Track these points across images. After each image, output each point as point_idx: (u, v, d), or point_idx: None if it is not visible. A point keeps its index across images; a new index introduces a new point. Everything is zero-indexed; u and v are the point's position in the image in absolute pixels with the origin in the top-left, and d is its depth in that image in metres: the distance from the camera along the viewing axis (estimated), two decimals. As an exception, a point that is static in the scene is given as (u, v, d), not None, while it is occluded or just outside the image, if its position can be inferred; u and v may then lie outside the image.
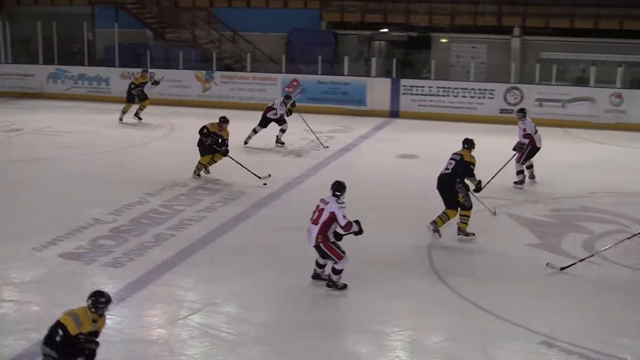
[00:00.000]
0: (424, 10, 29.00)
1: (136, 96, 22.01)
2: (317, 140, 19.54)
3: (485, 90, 24.04)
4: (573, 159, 18.37)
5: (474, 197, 12.57)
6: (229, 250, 11.80)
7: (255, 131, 19.13)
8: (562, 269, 11.05)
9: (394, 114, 24.18)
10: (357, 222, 10.05)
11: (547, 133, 20.83)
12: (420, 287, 10.49)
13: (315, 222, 10.08)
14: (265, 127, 19.17)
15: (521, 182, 15.69)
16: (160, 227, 12.65)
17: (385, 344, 8.93)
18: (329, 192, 10.15)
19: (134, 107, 22.20)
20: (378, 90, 24.50)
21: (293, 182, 15.68)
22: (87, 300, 7.27)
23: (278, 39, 28.66)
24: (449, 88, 24.27)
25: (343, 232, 10.10)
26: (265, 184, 15.32)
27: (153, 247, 11.71)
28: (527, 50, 27.44)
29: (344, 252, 10.07)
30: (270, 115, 19.09)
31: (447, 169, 12.58)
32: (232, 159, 15.65)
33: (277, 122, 19.19)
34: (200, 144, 15.67)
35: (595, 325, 9.45)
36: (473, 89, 24.13)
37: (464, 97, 24.04)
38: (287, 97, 19.77)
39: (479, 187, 12.72)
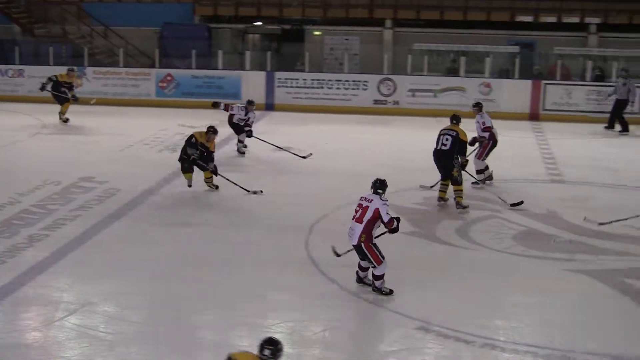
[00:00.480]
0: (297, 3, 29.05)
1: (52, 93, 21.05)
2: (295, 154, 17.67)
3: (359, 81, 24.30)
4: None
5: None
6: (105, 249, 11.64)
7: (240, 141, 18.00)
8: (600, 224, 11.68)
9: (269, 106, 24.16)
10: (397, 219, 9.91)
11: (419, 123, 21.36)
12: (300, 279, 10.57)
13: (359, 220, 9.80)
14: (240, 133, 17.83)
15: (482, 181, 15.36)
16: (33, 227, 12.36)
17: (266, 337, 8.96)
18: (370, 191, 9.98)
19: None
20: (253, 83, 24.44)
21: (169, 177, 15.52)
22: (263, 350, 6.48)
23: (151, 33, 28.21)
24: (323, 80, 24.44)
25: (385, 229, 9.89)
26: (255, 192, 14.51)
27: (26, 248, 11.44)
28: (399, 42, 27.80)
29: (383, 257, 9.83)
30: (235, 120, 17.73)
31: (444, 144, 13.88)
32: (223, 177, 14.60)
33: (239, 127, 17.79)
34: (182, 158, 14.47)
35: (470, 309, 9.71)
36: (347, 81, 24.37)
37: (338, 88, 24.25)
38: (250, 102, 17.97)
39: (464, 164, 13.97)
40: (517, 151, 18.87)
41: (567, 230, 12.71)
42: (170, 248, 11.60)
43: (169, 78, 24.75)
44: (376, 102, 24.01)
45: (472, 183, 15.13)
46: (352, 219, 9.93)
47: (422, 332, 9.04)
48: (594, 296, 10.32)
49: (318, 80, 24.43)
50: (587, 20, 27.30)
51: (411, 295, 10.02)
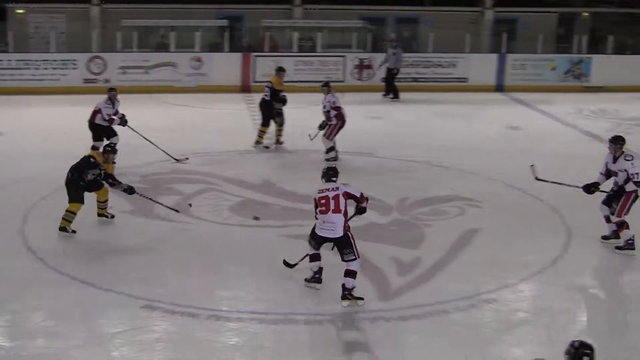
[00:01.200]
0: (-6, -21, 27.79)
1: None
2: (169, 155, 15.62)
3: (67, 60, 23.66)
4: (159, 123, 18.71)
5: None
6: None
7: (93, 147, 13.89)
8: (537, 179, 12.12)
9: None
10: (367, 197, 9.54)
11: (132, 100, 21.12)
12: (14, 268, 10.25)
13: (337, 210, 9.15)
14: (98, 140, 14.71)
15: (334, 159, 15.37)
16: None
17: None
18: (322, 181, 9.50)
19: None
20: (-48, 67, 23.17)
21: None
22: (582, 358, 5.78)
23: None
24: (30, 60, 23.51)
25: (362, 205, 9.41)
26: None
27: None
28: (108, 19, 27.30)
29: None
30: (98, 120, 14.86)
31: (266, 95, 16.53)
32: (142, 195, 12.27)
33: (106, 133, 14.87)
34: (74, 182, 11.44)
35: (192, 282, 9.93)
36: (55, 60, 23.63)
37: (45, 69, 23.45)
38: (111, 89, 15.26)
39: (279, 111, 16.50)
40: (230, 123, 19.27)
41: (282, 197, 13.19)
42: None
43: None
44: (86, 81, 23.48)
45: (326, 159, 15.30)
46: (324, 213, 9.31)
47: (148, 311, 9.10)
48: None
49: (24, 60, 23.48)
50: (292, -7, 28.16)
51: (134, 275, 10.04)
